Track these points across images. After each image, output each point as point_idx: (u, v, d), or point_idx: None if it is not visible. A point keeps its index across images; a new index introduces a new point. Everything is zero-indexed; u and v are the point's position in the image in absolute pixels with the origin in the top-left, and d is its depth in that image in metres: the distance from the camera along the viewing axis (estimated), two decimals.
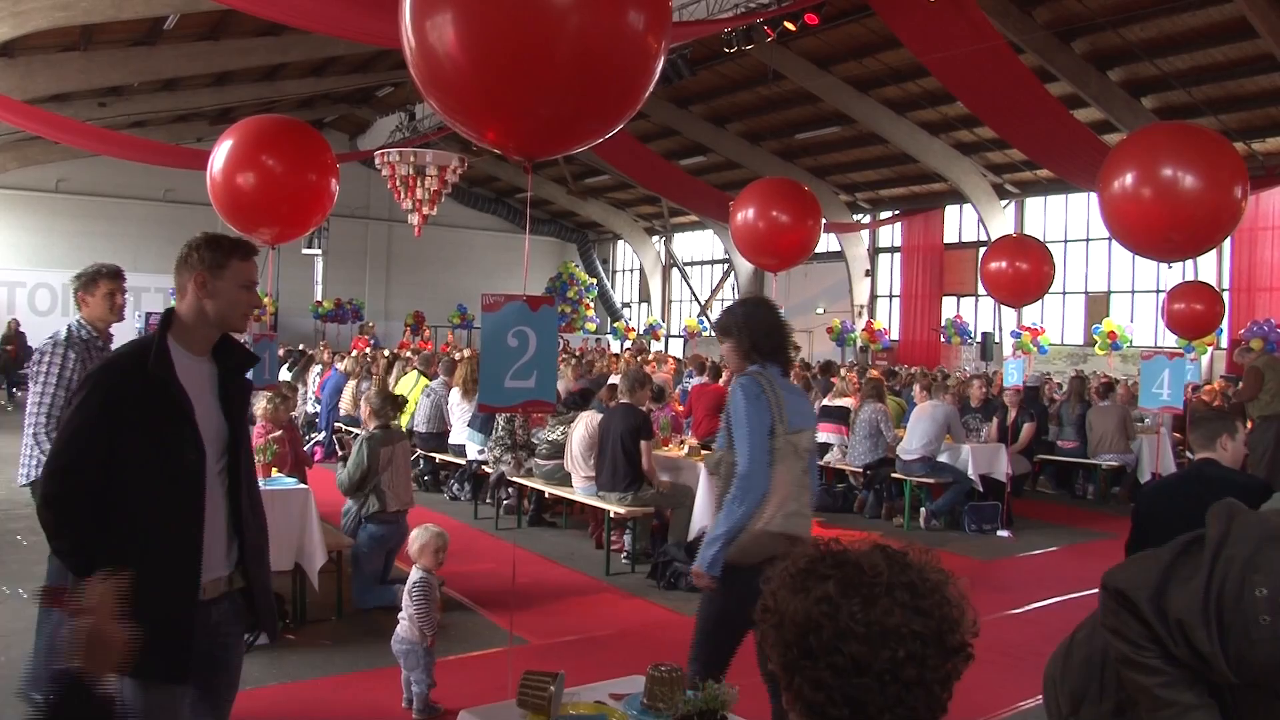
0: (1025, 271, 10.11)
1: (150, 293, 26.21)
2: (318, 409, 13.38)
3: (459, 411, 10.14)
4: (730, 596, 3.48)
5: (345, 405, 12.45)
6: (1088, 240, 22.61)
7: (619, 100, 3.41)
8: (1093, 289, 22.84)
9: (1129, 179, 6.36)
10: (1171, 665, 1.89)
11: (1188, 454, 9.81)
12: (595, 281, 33.65)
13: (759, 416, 3.49)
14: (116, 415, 2.64)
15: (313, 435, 12.92)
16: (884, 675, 1.27)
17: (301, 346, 18.78)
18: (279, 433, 6.62)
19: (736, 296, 30.07)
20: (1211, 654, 1.81)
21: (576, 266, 33.87)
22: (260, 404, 6.58)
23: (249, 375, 3.04)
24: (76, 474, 2.63)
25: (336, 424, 12.66)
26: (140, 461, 2.64)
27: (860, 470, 10.12)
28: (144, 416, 2.66)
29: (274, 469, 6.15)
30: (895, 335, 26.18)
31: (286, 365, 13.82)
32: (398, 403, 6.82)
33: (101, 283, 4.47)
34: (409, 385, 11.54)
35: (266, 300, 18.56)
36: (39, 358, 4.32)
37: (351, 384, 12.51)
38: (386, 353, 16.73)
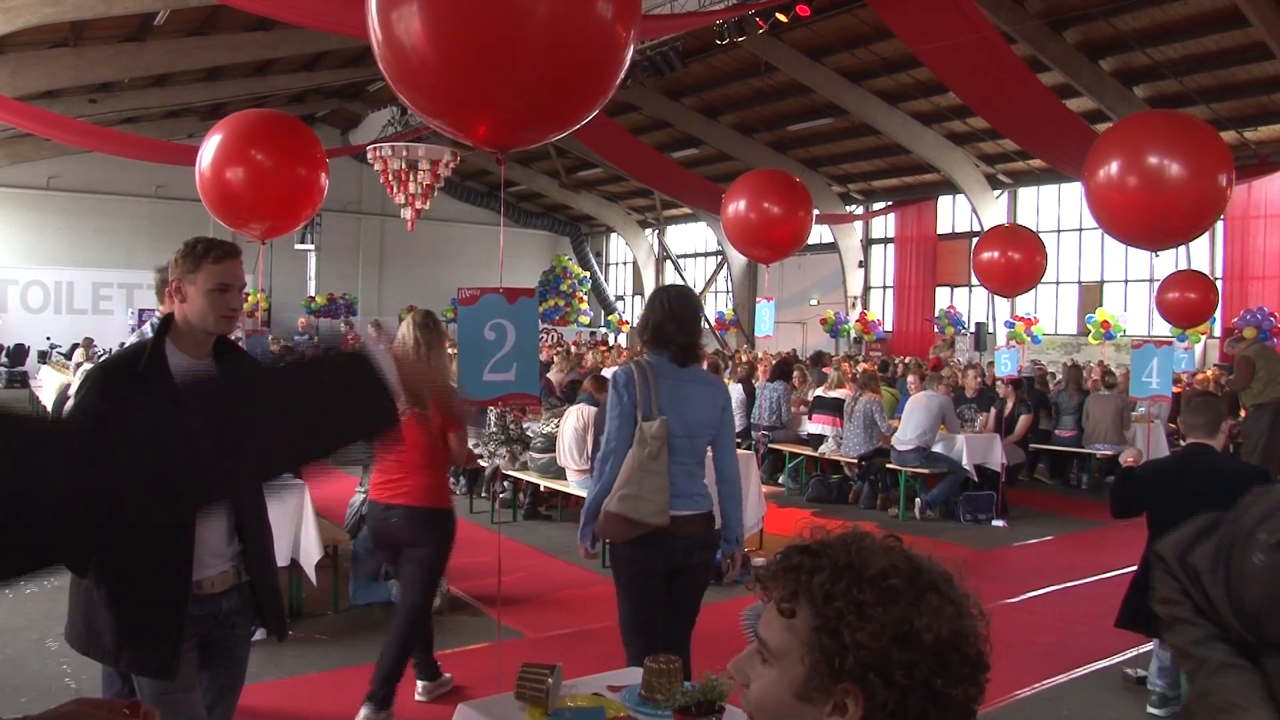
0: (1018, 261, 10.14)
1: (143, 289, 26.06)
2: None
3: None
4: (619, 568, 3.86)
5: None
6: (1080, 230, 22.62)
7: (589, 90, 3.41)
8: (1086, 278, 22.86)
9: (1113, 168, 6.37)
10: (1201, 619, 1.98)
11: (1179, 440, 9.86)
12: (588, 275, 33.62)
13: (619, 405, 3.75)
14: None
15: None
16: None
17: (286, 343, 18.71)
18: None
19: (730, 289, 30.11)
20: (1217, 597, 1.91)
21: (569, 260, 33.83)
22: None
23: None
24: None
25: None
26: None
27: (855, 461, 10.14)
28: None
29: None
30: (889, 326, 26.19)
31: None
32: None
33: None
34: None
35: (260, 296, 18.55)
36: None
37: None
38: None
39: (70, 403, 2.87)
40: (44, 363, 20.66)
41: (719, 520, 3.90)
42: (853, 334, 25.46)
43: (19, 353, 23.97)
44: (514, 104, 3.29)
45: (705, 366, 4.21)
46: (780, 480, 11.31)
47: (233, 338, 3.10)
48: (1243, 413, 10.14)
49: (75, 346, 19.76)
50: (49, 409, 12.39)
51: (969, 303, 24.82)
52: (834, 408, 10.64)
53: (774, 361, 12.59)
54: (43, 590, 6.32)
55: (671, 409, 3.71)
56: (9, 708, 4.47)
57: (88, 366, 10.29)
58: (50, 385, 14.01)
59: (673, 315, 3.78)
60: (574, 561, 7.67)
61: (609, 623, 6.15)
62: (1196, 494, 4.37)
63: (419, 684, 4.81)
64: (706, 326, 28.91)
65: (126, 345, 4.00)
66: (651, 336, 3.81)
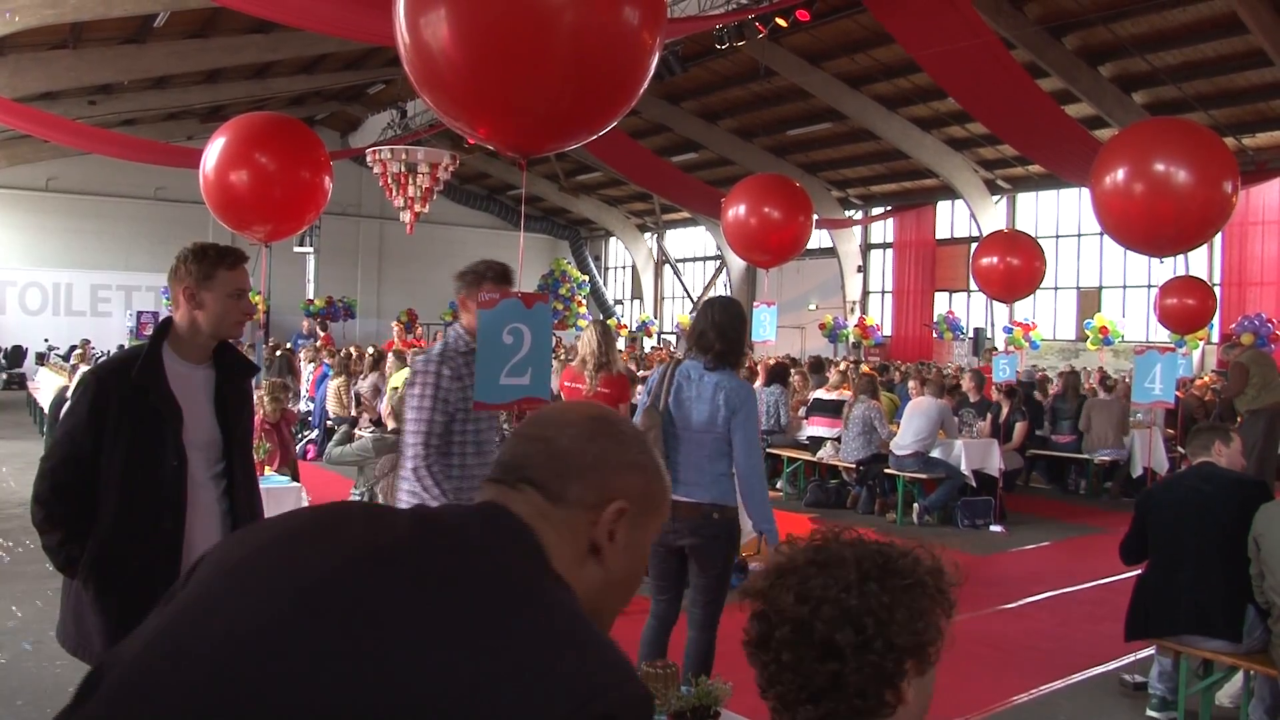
0: (1017, 267, 10.14)
1: (141, 291, 26.14)
2: (310, 407, 13.35)
3: None
4: None
5: (330, 405, 12.44)
6: (1079, 235, 22.66)
7: (614, 96, 3.41)
8: (1084, 284, 22.89)
9: (1120, 174, 6.38)
10: None
11: (1179, 448, 9.88)
12: (587, 278, 33.62)
13: (644, 398, 4.36)
14: (102, 420, 2.69)
15: (305, 433, 12.89)
16: (781, 655, 1.34)
17: (277, 347, 18.70)
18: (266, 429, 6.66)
19: (729, 293, 30.13)
20: None
21: (569, 263, 33.81)
22: None
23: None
24: (63, 474, 2.69)
25: (328, 423, 12.64)
26: (122, 466, 2.70)
27: (853, 466, 10.13)
28: (126, 423, 2.71)
29: (266, 467, 6.17)
30: (888, 331, 26.21)
31: (267, 365, 13.77)
32: None
33: (487, 286, 3.83)
34: (398, 381, 11.53)
35: (258, 299, 18.54)
36: (413, 377, 3.80)
37: (334, 383, 12.48)
38: (370, 350, 16.61)
39: (67, 405, 2.91)
40: (42, 364, 20.63)
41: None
42: (851, 339, 25.48)
43: (17, 354, 23.96)
44: (539, 109, 3.29)
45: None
46: (778, 485, 11.31)
47: (246, 343, 3.14)
48: (1239, 420, 10.15)
49: (73, 348, 19.77)
50: (46, 410, 12.40)
51: (968, 308, 24.85)
52: (833, 409, 10.64)
53: (771, 364, 12.58)
54: (38, 591, 6.32)
55: (678, 406, 4.13)
56: (5, 710, 4.47)
57: (85, 369, 10.28)
58: (48, 387, 14.01)
59: (714, 324, 4.15)
60: None
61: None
62: (1201, 494, 4.45)
63: None
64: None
65: (127, 348, 3.98)
66: (693, 342, 4.22)
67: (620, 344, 29.36)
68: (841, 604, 1.30)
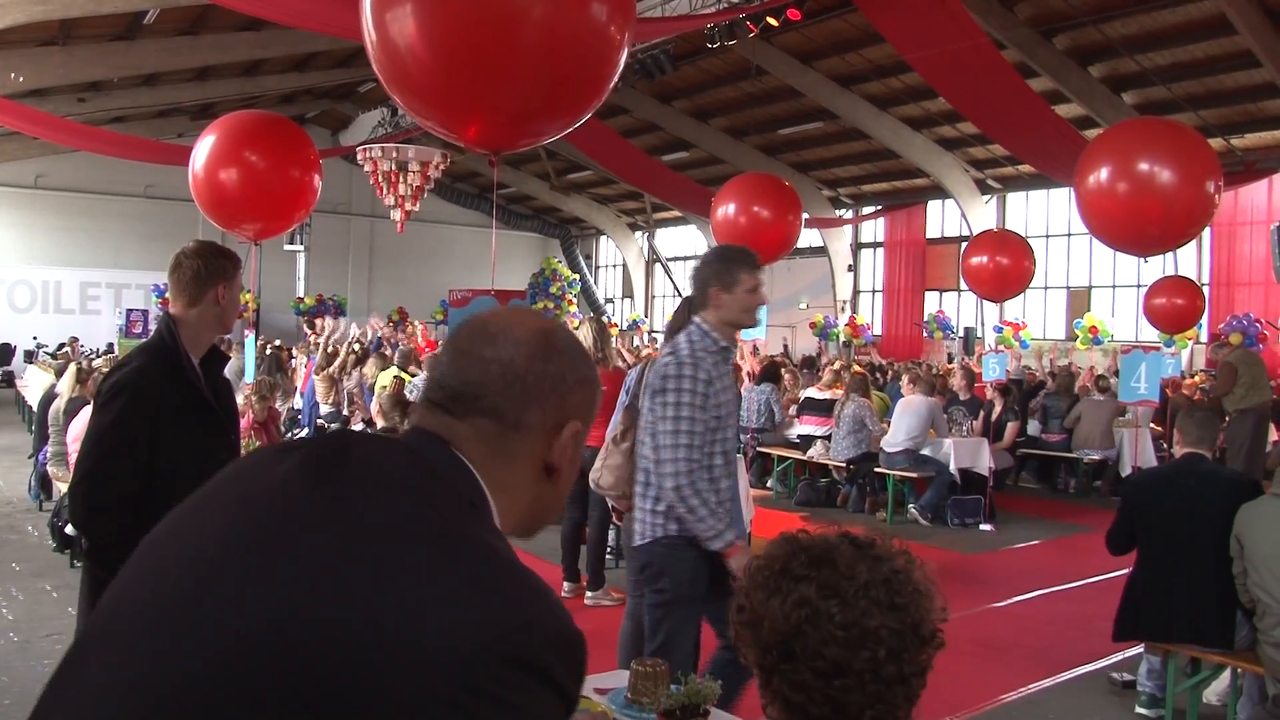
0: (1006, 266, 10.19)
1: (131, 289, 26.07)
2: (301, 405, 13.31)
3: None
4: None
5: (320, 399, 12.44)
6: (1069, 235, 22.70)
7: (582, 93, 3.41)
8: (1074, 284, 22.94)
9: (1103, 174, 6.41)
10: None
11: (1163, 443, 9.88)
12: (578, 277, 33.62)
13: (624, 397, 4.60)
14: (157, 423, 2.72)
15: (296, 431, 12.85)
16: (864, 675, 1.29)
17: (267, 345, 18.62)
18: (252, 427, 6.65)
19: None
20: None
21: (559, 262, 33.81)
22: (239, 400, 6.59)
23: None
24: (119, 484, 2.68)
25: (319, 420, 12.61)
26: (177, 467, 2.70)
27: (844, 464, 10.15)
28: (182, 423, 2.76)
29: None
30: (878, 330, 26.25)
31: (256, 363, 13.71)
32: (408, 409, 6.75)
33: (744, 275, 3.44)
34: (385, 380, 11.50)
35: (248, 297, 18.49)
36: (662, 384, 3.41)
37: (317, 378, 12.46)
38: (356, 347, 16.50)
39: (89, 411, 2.92)
40: (30, 362, 20.56)
41: None
42: (842, 338, 25.51)
43: (5, 352, 23.87)
44: (507, 106, 3.29)
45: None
46: (769, 484, 11.32)
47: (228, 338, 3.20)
48: (1226, 419, 10.20)
49: (62, 346, 19.70)
50: (35, 408, 12.34)
51: (958, 307, 24.89)
52: (824, 408, 10.65)
53: (761, 363, 12.60)
54: (27, 591, 6.30)
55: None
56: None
57: (77, 366, 10.14)
58: (36, 385, 13.95)
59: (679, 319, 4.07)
60: (560, 563, 7.64)
61: (597, 625, 6.16)
62: (1196, 494, 4.43)
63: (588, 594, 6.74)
64: None
65: (145, 346, 3.99)
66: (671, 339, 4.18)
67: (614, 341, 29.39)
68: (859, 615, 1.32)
